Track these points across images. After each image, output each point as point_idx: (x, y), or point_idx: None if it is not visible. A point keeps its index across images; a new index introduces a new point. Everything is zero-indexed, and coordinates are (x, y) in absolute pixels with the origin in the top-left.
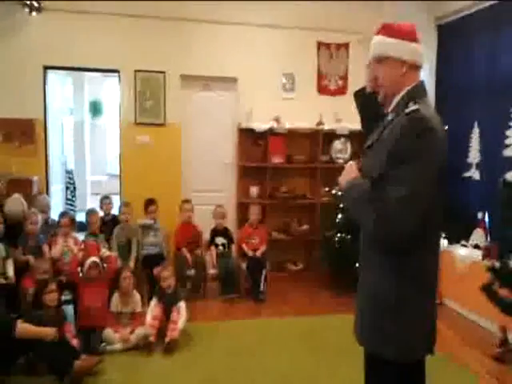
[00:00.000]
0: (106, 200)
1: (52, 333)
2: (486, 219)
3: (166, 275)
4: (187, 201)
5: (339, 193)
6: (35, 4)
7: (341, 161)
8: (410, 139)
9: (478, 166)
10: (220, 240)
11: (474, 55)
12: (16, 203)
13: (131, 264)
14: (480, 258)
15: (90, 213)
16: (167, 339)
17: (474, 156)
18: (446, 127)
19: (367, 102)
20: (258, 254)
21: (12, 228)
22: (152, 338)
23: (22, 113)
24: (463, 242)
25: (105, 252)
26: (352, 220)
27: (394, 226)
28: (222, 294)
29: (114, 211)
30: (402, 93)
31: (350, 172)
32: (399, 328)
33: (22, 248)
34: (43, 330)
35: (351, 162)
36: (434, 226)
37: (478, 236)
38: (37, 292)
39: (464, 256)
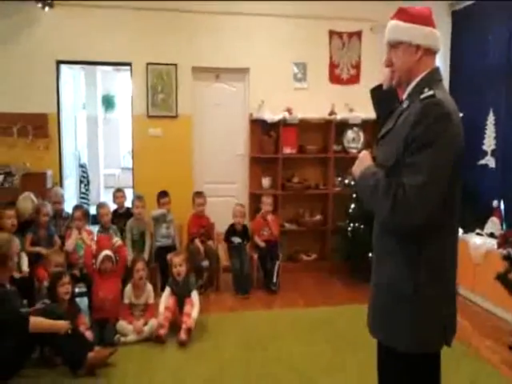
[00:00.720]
0: (118, 193)
1: (65, 326)
2: (502, 207)
3: (177, 261)
4: (199, 193)
5: (352, 182)
6: None
7: (353, 150)
8: (425, 125)
9: (493, 153)
10: (236, 239)
11: (489, 41)
12: (26, 201)
13: (145, 256)
14: (495, 246)
15: (100, 206)
16: (182, 331)
17: (489, 143)
18: (461, 114)
19: (384, 99)
20: (272, 238)
21: (24, 223)
22: (164, 330)
23: (36, 107)
24: (478, 231)
25: (117, 241)
26: (366, 209)
27: (412, 212)
28: (236, 293)
29: (128, 204)
30: (417, 79)
31: (364, 161)
32: (415, 318)
33: (31, 237)
34: (56, 324)
35: (365, 151)
36: (451, 212)
37: (493, 224)
38: (50, 285)
39: (479, 245)
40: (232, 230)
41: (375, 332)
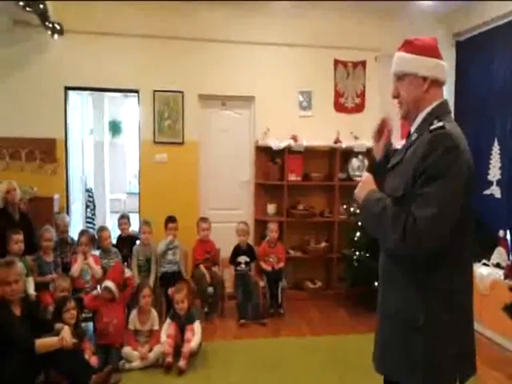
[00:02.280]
0: (122, 220)
1: (70, 339)
2: (508, 237)
3: (179, 298)
4: (204, 219)
5: (357, 209)
6: (57, 27)
7: (358, 178)
8: (435, 156)
9: (498, 183)
10: (243, 258)
11: (493, 71)
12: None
13: (150, 282)
14: (502, 277)
15: (101, 230)
16: (181, 358)
17: (494, 173)
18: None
19: (380, 171)
20: (276, 267)
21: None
22: (170, 357)
23: (44, 132)
24: (484, 261)
25: (126, 272)
26: (371, 237)
27: (422, 243)
28: (241, 319)
29: (133, 229)
30: (426, 111)
31: (367, 184)
32: (427, 352)
33: (37, 266)
34: (62, 339)
35: (367, 174)
36: (462, 241)
37: (500, 255)
38: (56, 310)
39: (485, 275)
40: (237, 250)
41: (382, 367)
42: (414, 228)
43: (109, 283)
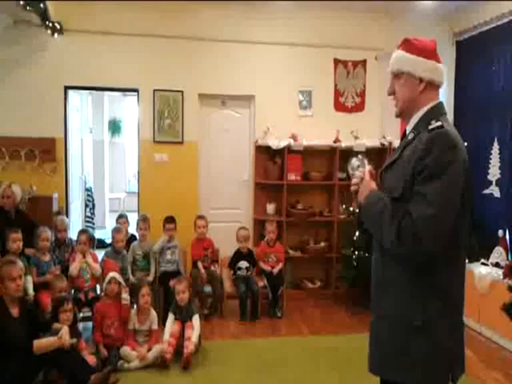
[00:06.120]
0: (121, 219)
1: (68, 339)
2: (507, 237)
3: (180, 289)
4: (201, 216)
5: (356, 210)
6: (57, 26)
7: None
8: (435, 154)
9: (497, 182)
10: (244, 264)
11: (493, 70)
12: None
13: (150, 278)
14: (501, 276)
15: (116, 231)
16: (184, 355)
17: (493, 173)
18: (466, 144)
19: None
20: (275, 271)
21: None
22: (168, 356)
23: (44, 132)
24: (483, 261)
25: (126, 299)
26: (369, 235)
27: (421, 242)
28: (242, 315)
29: (131, 229)
30: (422, 112)
31: (368, 185)
32: (425, 351)
33: (36, 267)
34: (60, 338)
35: (367, 179)
36: (459, 243)
37: (499, 254)
38: (53, 310)
39: (484, 275)
40: (238, 255)
41: (379, 367)
42: (411, 226)
43: (114, 274)
